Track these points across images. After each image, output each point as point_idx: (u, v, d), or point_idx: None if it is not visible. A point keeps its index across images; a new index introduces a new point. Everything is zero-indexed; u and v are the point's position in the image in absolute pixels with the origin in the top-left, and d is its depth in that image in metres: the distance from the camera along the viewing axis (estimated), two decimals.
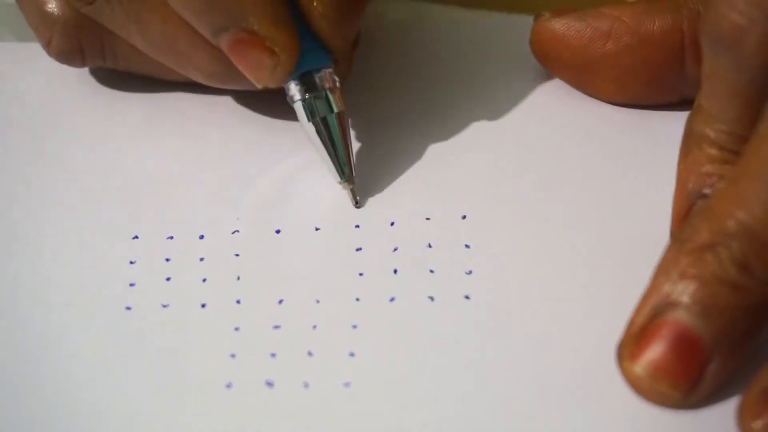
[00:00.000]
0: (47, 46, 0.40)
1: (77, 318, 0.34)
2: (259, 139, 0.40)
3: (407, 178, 0.38)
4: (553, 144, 0.39)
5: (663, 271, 0.31)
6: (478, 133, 0.40)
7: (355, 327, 0.33)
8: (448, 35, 0.45)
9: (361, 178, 0.38)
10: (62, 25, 0.39)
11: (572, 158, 0.39)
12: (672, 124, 0.37)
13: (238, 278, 0.35)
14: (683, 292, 0.30)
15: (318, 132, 0.37)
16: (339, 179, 0.37)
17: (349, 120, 0.41)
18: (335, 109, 0.37)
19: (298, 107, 0.37)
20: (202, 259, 0.36)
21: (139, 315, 0.34)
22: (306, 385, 0.32)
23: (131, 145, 0.40)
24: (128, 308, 0.34)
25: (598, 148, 0.39)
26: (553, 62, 0.41)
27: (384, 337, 0.33)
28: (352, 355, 0.32)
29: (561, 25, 0.39)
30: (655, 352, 0.30)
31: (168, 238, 0.37)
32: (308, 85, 0.37)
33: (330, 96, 0.37)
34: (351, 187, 0.37)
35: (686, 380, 0.30)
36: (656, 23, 0.38)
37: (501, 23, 0.45)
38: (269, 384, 0.32)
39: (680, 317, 0.30)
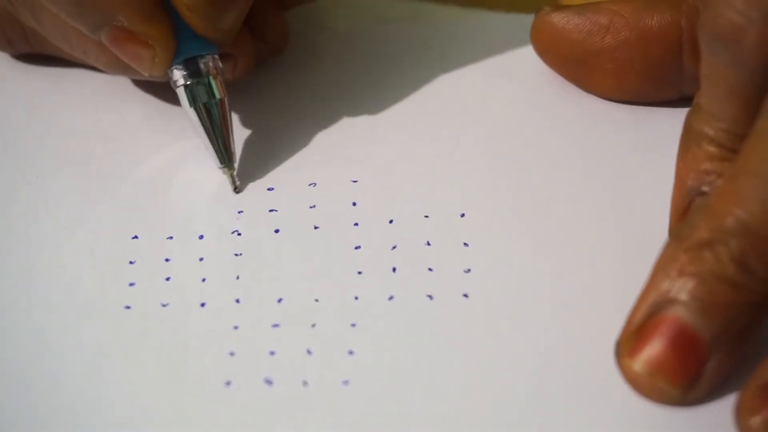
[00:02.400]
0: None
1: (77, 317, 0.34)
2: (261, 131, 0.41)
3: (406, 176, 0.38)
4: (552, 142, 0.39)
5: (661, 268, 0.31)
6: (476, 132, 0.40)
7: (354, 325, 0.33)
8: (448, 35, 0.45)
9: (361, 176, 0.38)
10: None
11: (571, 156, 0.39)
12: (670, 122, 0.37)
13: (238, 277, 0.35)
14: (682, 289, 0.30)
15: (199, 117, 0.38)
16: (219, 164, 0.38)
17: (349, 119, 0.41)
18: (217, 96, 0.38)
19: (180, 92, 0.38)
20: (201, 259, 0.36)
21: (139, 314, 0.34)
22: (305, 384, 0.32)
23: (130, 145, 0.40)
24: (128, 308, 0.34)
25: (596, 145, 0.39)
26: (553, 56, 0.41)
27: (383, 335, 0.33)
28: (351, 353, 0.33)
29: (560, 19, 0.40)
30: (653, 349, 0.30)
31: (167, 238, 0.37)
32: (192, 70, 0.38)
33: (212, 82, 0.38)
34: (231, 172, 0.38)
35: (685, 377, 0.30)
36: (655, 19, 0.38)
37: (500, 23, 0.45)
38: (268, 382, 0.32)
39: (679, 314, 0.30)
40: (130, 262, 0.36)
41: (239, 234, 0.37)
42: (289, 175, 0.39)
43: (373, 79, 0.43)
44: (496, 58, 0.43)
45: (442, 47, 0.44)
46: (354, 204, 0.37)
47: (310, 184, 0.38)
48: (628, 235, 0.35)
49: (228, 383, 0.32)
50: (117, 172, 0.39)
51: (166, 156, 0.40)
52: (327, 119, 0.41)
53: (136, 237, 0.37)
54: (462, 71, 0.43)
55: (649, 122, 0.39)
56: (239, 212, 0.37)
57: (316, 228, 0.37)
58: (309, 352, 0.33)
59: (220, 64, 0.38)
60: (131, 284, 0.35)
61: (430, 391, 0.31)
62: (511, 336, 0.33)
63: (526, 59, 0.42)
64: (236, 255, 0.36)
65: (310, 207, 0.37)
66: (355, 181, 0.38)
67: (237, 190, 0.38)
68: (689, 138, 0.33)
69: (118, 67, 0.39)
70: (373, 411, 0.31)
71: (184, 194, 0.38)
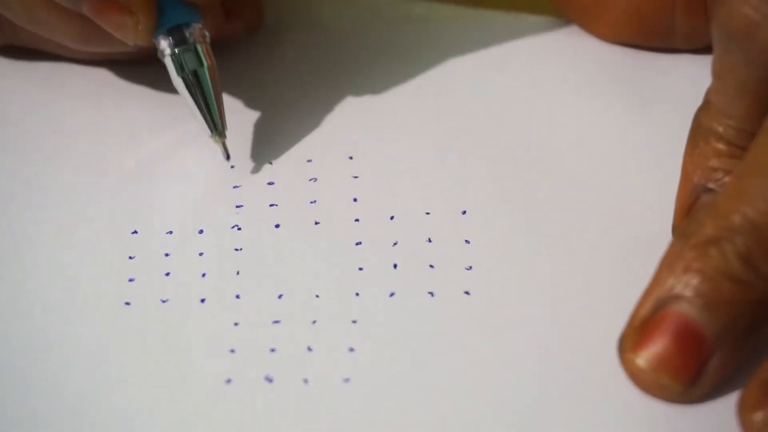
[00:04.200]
0: None
1: (76, 314, 0.34)
2: (261, 128, 0.40)
3: (407, 174, 0.38)
4: (553, 140, 0.39)
5: (667, 264, 0.30)
6: (478, 130, 0.40)
7: (354, 322, 0.33)
8: (448, 34, 0.45)
9: (362, 171, 0.38)
10: None
11: (573, 153, 0.39)
12: (678, 117, 0.37)
13: (238, 273, 0.35)
14: (687, 285, 0.30)
15: (187, 85, 0.37)
16: (210, 133, 0.37)
17: (350, 116, 0.41)
18: (205, 63, 0.37)
19: (168, 62, 0.37)
20: (201, 254, 0.36)
21: (139, 310, 0.34)
22: (306, 381, 0.31)
23: (130, 140, 0.40)
24: (127, 303, 0.34)
25: (600, 143, 0.39)
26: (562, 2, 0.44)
27: (384, 332, 0.33)
28: (351, 350, 0.32)
29: None
30: (657, 344, 0.30)
31: (167, 233, 0.36)
32: (177, 39, 0.37)
33: (199, 49, 0.37)
34: (222, 140, 0.38)
35: (687, 373, 0.30)
36: None
37: (502, 22, 0.45)
38: (269, 380, 0.32)
39: (683, 310, 0.30)
40: (130, 257, 0.36)
41: (239, 229, 0.36)
42: (290, 170, 0.39)
43: (374, 78, 0.43)
44: (497, 57, 0.43)
45: (443, 46, 0.44)
46: (355, 200, 0.37)
47: (310, 179, 0.38)
48: (632, 232, 0.35)
49: (228, 381, 0.32)
50: (116, 166, 0.39)
51: (166, 150, 0.40)
52: (329, 116, 0.41)
53: (135, 232, 0.36)
54: (462, 70, 0.43)
55: (655, 118, 0.40)
56: (239, 206, 0.37)
57: (316, 223, 0.36)
58: (309, 349, 0.32)
59: (206, 32, 0.38)
60: (131, 279, 0.35)
61: (430, 389, 0.31)
62: (513, 333, 0.32)
63: (527, 59, 0.42)
64: (236, 250, 0.36)
65: (311, 202, 0.37)
66: (356, 177, 0.38)
67: (228, 158, 0.38)
68: (697, 134, 0.33)
69: (86, 39, 0.39)
70: (373, 409, 0.31)
71: (183, 188, 0.38)
